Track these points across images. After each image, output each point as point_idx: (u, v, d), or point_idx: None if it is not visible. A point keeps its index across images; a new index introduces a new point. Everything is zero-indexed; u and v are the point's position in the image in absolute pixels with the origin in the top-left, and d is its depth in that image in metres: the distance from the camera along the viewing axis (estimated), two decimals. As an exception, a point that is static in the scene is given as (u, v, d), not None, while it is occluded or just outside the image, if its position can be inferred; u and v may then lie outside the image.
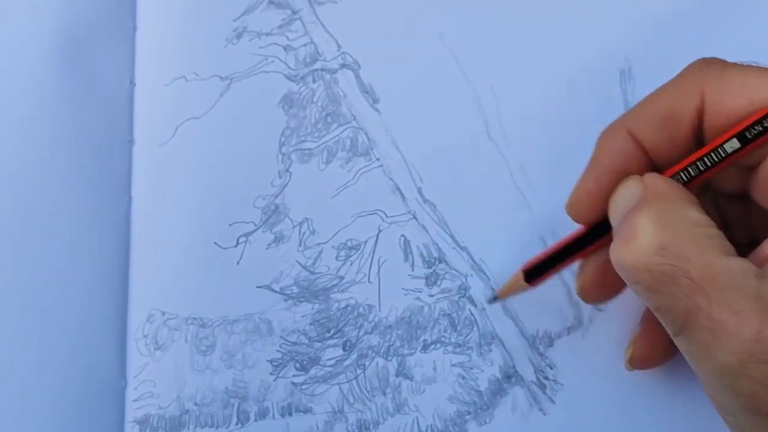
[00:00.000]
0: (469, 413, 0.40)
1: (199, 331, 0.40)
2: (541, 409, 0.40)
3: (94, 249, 0.41)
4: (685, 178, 0.33)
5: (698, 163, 0.32)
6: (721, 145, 0.32)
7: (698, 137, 0.33)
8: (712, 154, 0.32)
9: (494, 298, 0.40)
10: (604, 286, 0.35)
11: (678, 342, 0.29)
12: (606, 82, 0.42)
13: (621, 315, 0.40)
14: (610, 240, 0.32)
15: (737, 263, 0.28)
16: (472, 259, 0.41)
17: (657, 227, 0.29)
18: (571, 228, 0.40)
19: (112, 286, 0.41)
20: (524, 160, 0.41)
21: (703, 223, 0.30)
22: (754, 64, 0.32)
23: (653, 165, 0.34)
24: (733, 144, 0.32)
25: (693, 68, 0.33)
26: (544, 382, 0.40)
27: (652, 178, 0.32)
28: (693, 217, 0.30)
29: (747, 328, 0.27)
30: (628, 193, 0.32)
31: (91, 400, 0.40)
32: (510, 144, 0.42)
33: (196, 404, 0.40)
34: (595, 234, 0.35)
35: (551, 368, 0.40)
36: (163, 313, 0.40)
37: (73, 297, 0.40)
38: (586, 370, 0.40)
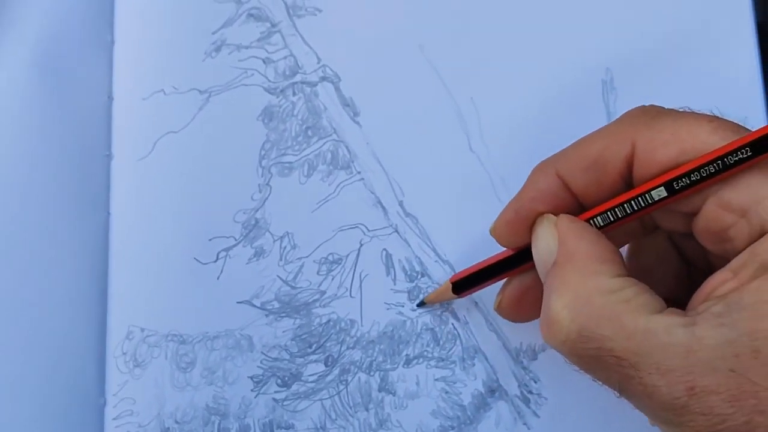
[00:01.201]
0: (452, 428, 0.39)
1: (179, 347, 0.40)
2: (525, 423, 0.39)
3: (71, 265, 0.40)
4: (611, 218, 0.32)
5: (625, 206, 0.32)
6: (648, 192, 0.31)
7: (627, 183, 0.33)
8: (639, 198, 0.32)
9: (422, 303, 0.40)
10: (522, 309, 0.36)
11: (622, 398, 0.30)
12: (588, 93, 0.42)
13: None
14: (532, 266, 0.33)
15: (661, 321, 0.28)
16: (455, 273, 0.41)
17: (571, 313, 0.29)
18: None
19: (91, 302, 0.40)
20: (506, 172, 0.41)
21: (617, 288, 0.29)
22: (688, 111, 0.32)
23: (580, 205, 0.34)
24: (660, 192, 0.31)
25: (627, 116, 0.33)
26: (528, 395, 0.40)
27: (565, 223, 0.32)
28: (605, 285, 0.29)
29: (678, 386, 0.27)
30: (545, 244, 0.32)
31: (71, 418, 0.39)
32: (492, 156, 0.41)
33: (176, 422, 0.39)
34: (520, 259, 0.35)
35: (535, 382, 0.40)
36: (143, 330, 0.40)
37: (50, 314, 0.40)
38: (569, 383, 0.40)
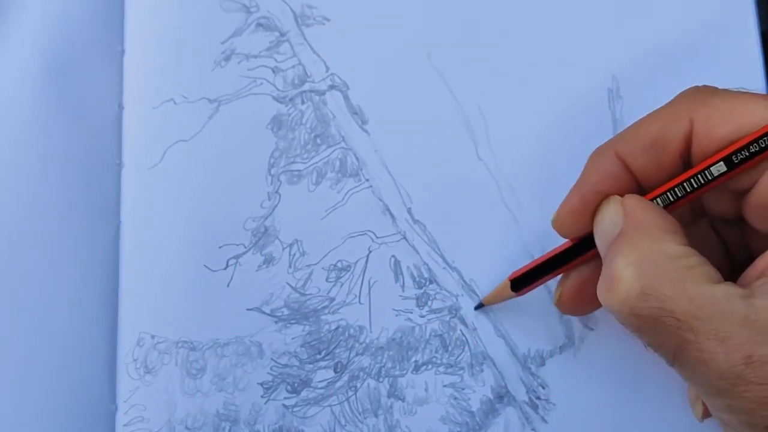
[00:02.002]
0: (461, 434, 0.40)
1: (189, 354, 0.40)
2: (533, 429, 0.40)
3: (83, 273, 0.40)
4: (671, 198, 0.33)
5: (684, 185, 0.33)
6: (707, 168, 0.33)
7: (686, 163, 0.34)
8: (699, 176, 0.33)
9: (480, 305, 0.40)
10: (581, 301, 0.36)
11: (674, 369, 0.30)
12: (594, 101, 0.42)
13: (612, 333, 0.40)
14: (594, 255, 0.34)
15: (721, 290, 0.29)
16: (463, 280, 0.41)
17: (636, 271, 0.30)
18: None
19: (102, 309, 0.40)
20: (514, 179, 0.42)
21: (683, 254, 0.30)
22: (743, 90, 0.33)
23: (640, 187, 0.34)
24: (720, 167, 0.32)
25: (684, 95, 0.34)
26: (536, 401, 0.40)
27: (631, 201, 0.33)
28: (671, 251, 0.30)
29: (736, 354, 0.28)
30: (609, 218, 0.33)
31: (82, 424, 0.40)
32: (499, 164, 0.42)
33: (186, 428, 0.40)
34: (580, 249, 0.36)
35: (543, 388, 0.40)
36: (153, 337, 0.40)
37: (62, 321, 0.40)
38: (578, 389, 0.40)
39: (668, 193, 0.33)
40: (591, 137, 0.41)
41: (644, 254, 0.30)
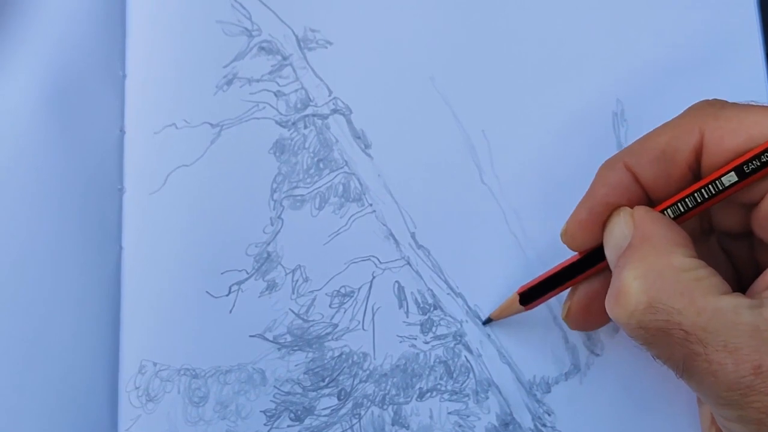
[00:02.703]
0: (466, 462, 0.39)
1: (191, 381, 0.40)
2: (539, 458, 0.39)
3: (84, 299, 0.40)
4: (681, 209, 0.33)
5: (695, 195, 0.33)
6: (718, 178, 0.33)
7: (695, 174, 0.34)
8: (710, 186, 0.33)
9: (489, 320, 0.40)
10: (590, 315, 0.36)
11: (683, 380, 0.30)
12: (598, 125, 0.42)
13: (618, 360, 0.40)
14: (603, 268, 0.34)
15: (730, 301, 0.29)
16: (467, 305, 0.41)
17: (644, 283, 0.30)
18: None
19: (103, 336, 0.40)
20: (518, 204, 0.41)
21: (690, 267, 0.30)
22: (753, 103, 0.33)
23: (650, 199, 0.34)
24: (731, 177, 0.33)
25: (694, 108, 0.34)
26: (542, 429, 0.40)
27: (641, 212, 0.33)
28: (679, 263, 0.30)
29: (745, 365, 0.28)
30: (619, 230, 0.33)
31: (82, 452, 0.39)
32: (503, 188, 0.41)
33: (189, 457, 0.39)
34: (589, 261, 0.36)
35: (549, 415, 0.40)
36: (155, 364, 0.40)
37: (63, 348, 0.40)
38: (584, 416, 0.40)
39: (678, 204, 0.33)
40: (596, 162, 0.41)
41: (652, 267, 0.30)
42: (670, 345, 0.29)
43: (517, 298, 0.38)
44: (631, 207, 0.34)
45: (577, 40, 0.42)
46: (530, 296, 0.38)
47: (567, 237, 0.36)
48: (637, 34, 0.42)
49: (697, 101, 0.34)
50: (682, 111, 0.41)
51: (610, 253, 0.34)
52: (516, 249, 0.41)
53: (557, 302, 0.40)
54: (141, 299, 0.40)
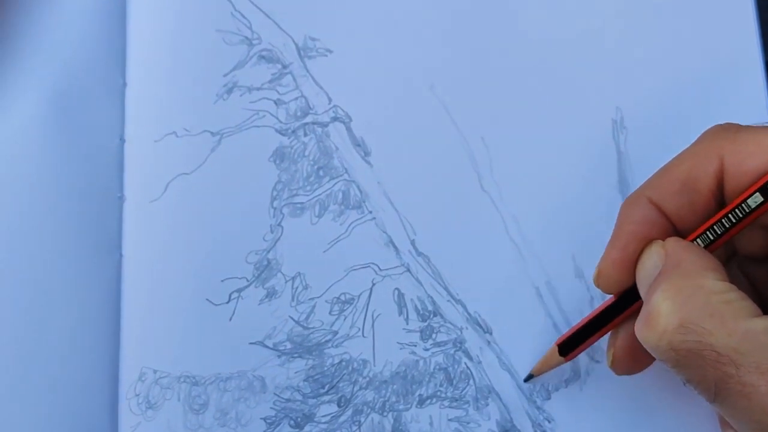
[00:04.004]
0: (466, 469, 0.39)
1: (191, 389, 0.40)
2: (539, 465, 0.39)
3: (84, 307, 0.40)
4: (711, 237, 0.33)
5: (723, 221, 0.33)
6: (744, 201, 0.33)
7: (719, 201, 0.34)
8: (737, 210, 0.33)
9: (530, 376, 0.39)
10: (636, 357, 0.36)
11: (714, 407, 0.30)
12: (598, 132, 0.42)
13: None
14: (640, 307, 0.33)
15: (761, 323, 0.29)
16: (467, 312, 0.41)
17: (674, 305, 0.30)
18: (563, 278, 0.40)
19: (103, 344, 0.40)
20: (517, 211, 0.41)
21: (721, 290, 0.30)
22: (765, 124, 0.33)
23: (677, 231, 0.34)
24: (756, 198, 0.32)
25: (709, 133, 0.34)
26: (542, 436, 0.39)
27: (673, 243, 0.33)
28: (710, 286, 0.30)
29: None
30: (651, 261, 0.33)
31: (83, 460, 0.39)
32: (503, 195, 0.41)
33: (189, 464, 0.39)
34: (625, 302, 0.35)
35: (549, 422, 0.40)
36: (155, 372, 0.40)
37: (63, 356, 0.40)
38: (584, 423, 0.39)
39: (708, 233, 0.33)
40: (595, 168, 0.41)
41: (682, 289, 0.30)
42: (702, 367, 0.29)
43: (556, 350, 0.37)
44: (662, 240, 0.34)
45: (576, 48, 0.43)
46: (569, 346, 0.37)
47: (601, 279, 0.35)
48: (637, 41, 0.42)
49: (711, 126, 0.34)
50: (682, 121, 0.41)
51: (642, 285, 0.34)
52: (516, 256, 0.41)
53: (557, 309, 0.40)
54: (141, 306, 0.40)
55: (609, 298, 0.36)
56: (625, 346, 0.36)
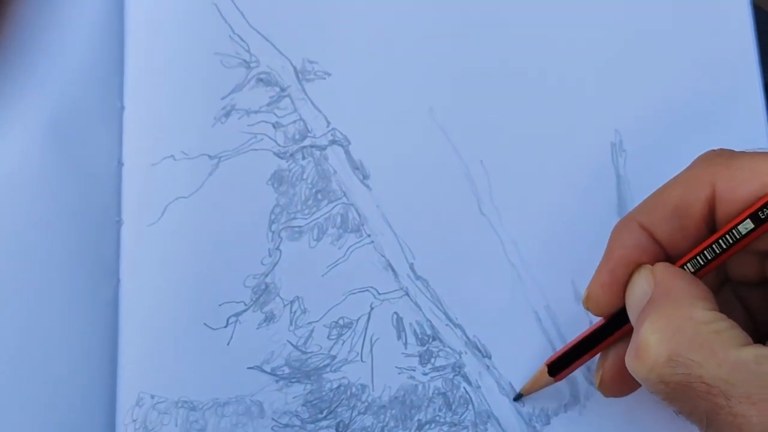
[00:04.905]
0: (465, 494, 0.39)
1: (189, 414, 0.40)
2: (539, 491, 0.39)
3: (81, 331, 0.40)
4: (701, 262, 0.33)
5: (714, 246, 0.33)
6: (735, 227, 0.32)
7: (710, 227, 0.34)
8: (727, 236, 0.33)
9: (519, 395, 0.39)
10: (624, 380, 0.35)
11: None
12: (597, 155, 0.42)
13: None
14: (629, 331, 0.33)
15: (751, 352, 0.29)
16: (466, 336, 0.40)
17: (663, 337, 0.30)
18: (562, 302, 0.40)
19: (101, 369, 0.40)
20: (517, 234, 0.41)
21: (710, 320, 0.30)
22: (761, 150, 0.33)
23: (667, 256, 0.34)
24: (747, 225, 0.32)
25: (702, 160, 0.34)
26: (542, 461, 0.39)
27: (662, 268, 0.33)
28: (699, 316, 0.30)
29: None
30: (639, 286, 0.33)
31: (79, 485, 0.39)
32: (502, 219, 0.41)
33: (186, 490, 0.39)
34: (615, 325, 0.35)
35: (548, 447, 0.39)
36: (153, 397, 0.40)
37: (60, 380, 0.40)
38: (583, 448, 0.39)
39: (698, 257, 0.33)
40: (594, 191, 0.41)
41: (671, 320, 0.30)
42: (692, 399, 0.29)
43: (546, 370, 0.38)
44: (652, 265, 0.34)
45: (575, 71, 0.42)
46: (558, 366, 0.37)
47: (591, 302, 0.35)
48: (636, 64, 0.42)
49: (704, 152, 0.34)
50: (681, 143, 0.41)
51: (631, 311, 0.34)
52: (515, 279, 0.41)
53: (557, 334, 0.40)
54: (138, 331, 0.40)
55: (599, 320, 0.36)
56: (613, 369, 0.36)
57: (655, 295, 0.32)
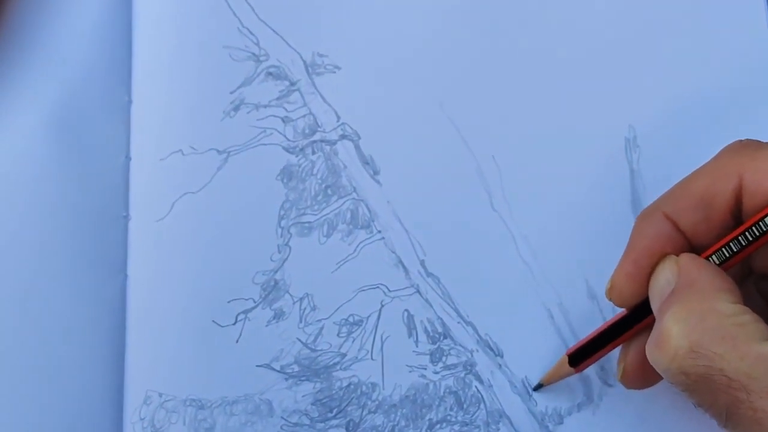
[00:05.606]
0: (477, 494, 0.39)
1: (197, 413, 0.39)
2: (552, 491, 0.39)
3: (88, 328, 0.40)
4: (726, 255, 0.33)
5: (740, 238, 0.32)
6: (762, 219, 0.32)
7: (736, 218, 0.33)
8: (753, 228, 0.32)
9: (539, 385, 0.39)
10: (647, 372, 0.35)
11: (727, 430, 0.29)
12: (611, 150, 0.41)
13: (632, 390, 0.39)
14: (652, 322, 0.32)
15: None
16: (478, 334, 0.40)
17: (686, 327, 0.29)
18: (575, 300, 0.39)
19: (108, 366, 0.39)
20: (529, 231, 0.41)
21: (734, 312, 0.29)
22: None
23: (692, 247, 0.34)
24: None
25: (729, 150, 0.33)
26: (555, 461, 0.39)
27: (687, 259, 0.32)
28: (723, 308, 0.30)
29: None
30: (664, 277, 0.33)
31: (86, 483, 0.39)
32: (514, 214, 0.41)
33: (194, 489, 0.39)
34: (638, 316, 0.35)
35: (561, 447, 0.39)
36: (161, 395, 0.39)
37: (66, 379, 0.39)
38: (597, 448, 0.39)
39: (723, 249, 0.33)
40: (608, 187, 0.40)
41: (694, 311, 0.30)
42: (713, 392, 0.29)
43: (566, 360, 0.37)
44: (676, 255, 0.33)
45: (589, 66, 0.42)
46: (580, 357, 0.37)
47: (614, 293, 0.35)
48: (651, 59, 0.42)
49: (730, 143, 0.34)
50: (695, 138, 0.41)
51: (654, 301, 0.33)
52: (527, 276, 0.40)
53: (570, 331, 0.40)
54: (146, 328, 0.40)
55: (621, 311, 0.36)
56: (636, 361, 0.35)
57: (679, 285, 0.31)
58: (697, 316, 0.30)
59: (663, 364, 0.30)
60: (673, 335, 0.30)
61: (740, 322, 0.29)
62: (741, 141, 0.34)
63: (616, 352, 0.37)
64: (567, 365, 0.37)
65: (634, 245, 0.34)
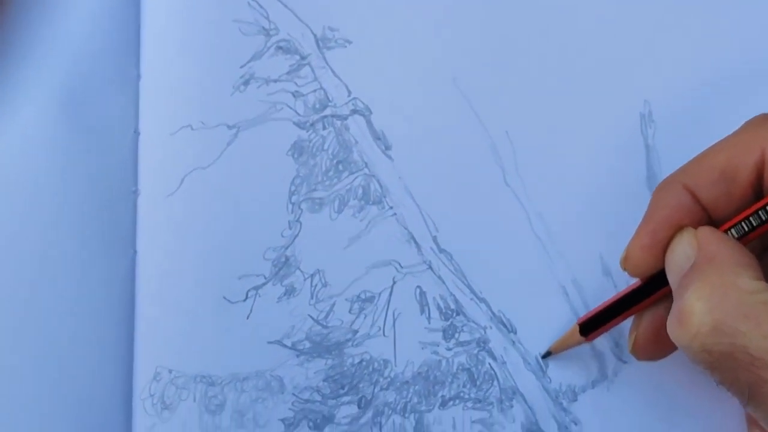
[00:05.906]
0: (490, 472, 0.38)
1: (207, 389, 0.39)
2: (566, 468, 0.38)
3: (97, 304, 0.39)
4: (746, 229, 0.32)
5: (760, 213, 0.32)
6: None
7: (757, 193, 0.33)
8: None
9: (548, 353, 0.38)
10: (658, 344, 0.35)
11: (748, 409, 0.29)
12: (625, 126, 0.41)
13: (647, 367, 0.39)
14: (667, 294, 0.33)
15: None
16: (491, 311, 0.39)
17: (708, 305, 0.29)
18: (589, 276, 0.39)
19: (117, 343, 0.39)
20: (542, 207, 0.40)
21: (757, 289, 0.29)
22: None
23: (710, 219, 0.33)
24: None
25: (752, 123, 0.33)
26: (569, 438, 0.38)
27: (706, 232, 0.32)
28: (745, 285, 0.29)
29: None
30: (681, 249, 0.32)
31: (95, 461, 0.38)
32: (527, 191, 0.40)
33: (205, 466, 0.38)
34: (652, 287, 0.34)
35: (575, 424, 0.39)
36: (170, 371, 0.39)
37: (76, 355, 0.39)
38: (611, 425, 0.39)
39: (743, 224, 0.32)
40: (623, 163, 0.40)
41: (717, 288, 0.29)
42: (735, 370, 0.28)
43: (577, 329, 0.37)
44: (694, 228, 0.33)
45: (603, 40, 0.41)
46: (591, 326, 0.36)
47: (629, 263, 0.34)
48: (666, 34, 0.41)
49: (755, 116, 0.34)
50: (711, 114, 0.40)
51: (672, 275, 0.33)
52: (541, 252, 0.40)
53: (584, 308, 0.39)
54: (156, 304, 0.39)
55: (635, 281, 0.35)
56: (648, 332, 0.35)
57: (699, 260, 0.31)
58: (719, 293, 0.29)
59: (685, 341, 0.30)
60: (695, 312, 0.29)
61: (763, 300, 0.29)
62: (765, 114, 0.33)
63: (627, 324, 0.36)
64: (578, 334, 0.37)
65: (652, 216, 0.34)
